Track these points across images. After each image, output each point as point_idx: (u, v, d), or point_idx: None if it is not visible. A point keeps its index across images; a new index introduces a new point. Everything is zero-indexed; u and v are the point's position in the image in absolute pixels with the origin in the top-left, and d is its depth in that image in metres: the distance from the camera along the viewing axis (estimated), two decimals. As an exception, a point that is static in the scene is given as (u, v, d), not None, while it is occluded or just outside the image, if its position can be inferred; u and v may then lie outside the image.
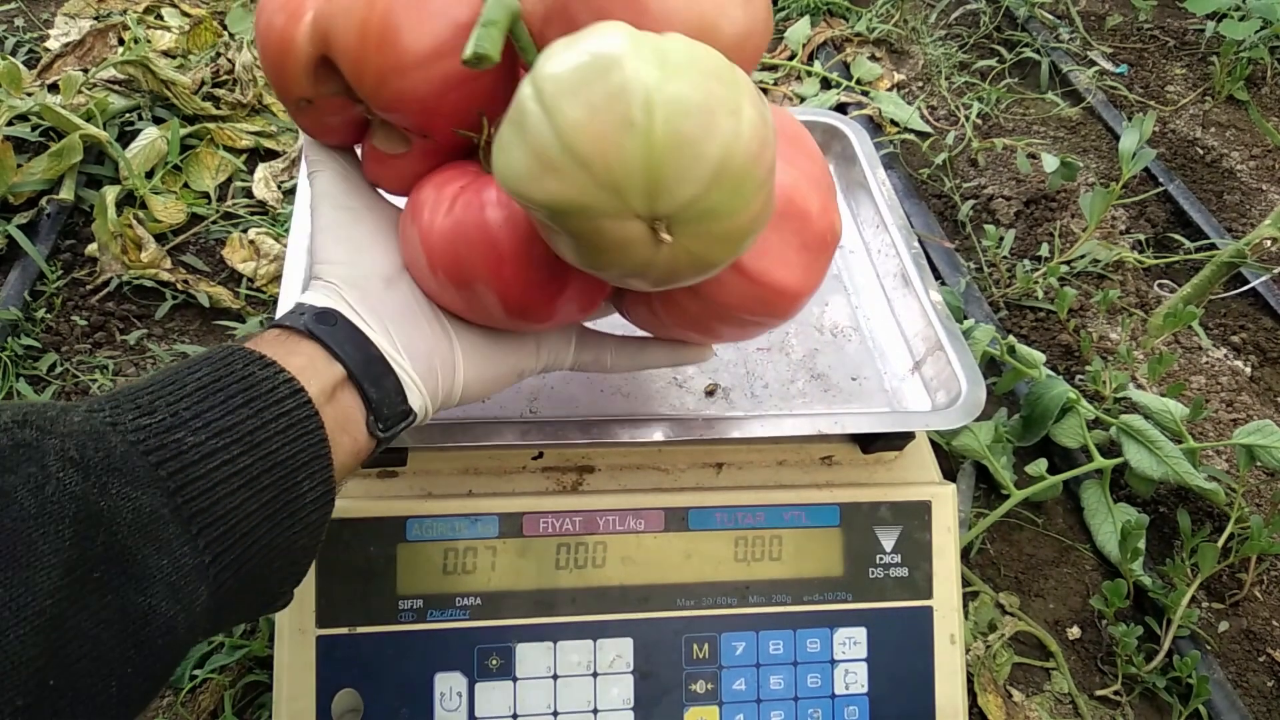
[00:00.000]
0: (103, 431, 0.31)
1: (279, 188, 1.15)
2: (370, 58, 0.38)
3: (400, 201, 0.45)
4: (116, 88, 1.21)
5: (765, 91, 1.40)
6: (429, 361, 0.42)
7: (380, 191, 0.47)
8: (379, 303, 0.42)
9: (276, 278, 1.05)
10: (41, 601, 0.27)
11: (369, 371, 0.40)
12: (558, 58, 0.34)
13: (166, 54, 1.29)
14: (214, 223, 1.11)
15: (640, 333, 0.49)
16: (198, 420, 0.33)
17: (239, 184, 1.16)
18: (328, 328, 0.40)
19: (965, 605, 0.83)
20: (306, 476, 0.36)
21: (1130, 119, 1.23)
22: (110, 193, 1.04)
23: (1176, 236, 1.23)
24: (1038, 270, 1.13)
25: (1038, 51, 1.52)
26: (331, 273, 0.43)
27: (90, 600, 0.29)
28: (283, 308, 0.54)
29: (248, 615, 0.38)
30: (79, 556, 0.29)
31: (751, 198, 0.36)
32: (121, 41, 1.29)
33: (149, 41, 1.29)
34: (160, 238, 1.06)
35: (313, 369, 0.38)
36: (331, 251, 0.43)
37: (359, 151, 0.46)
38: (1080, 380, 1.03)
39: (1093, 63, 1.53)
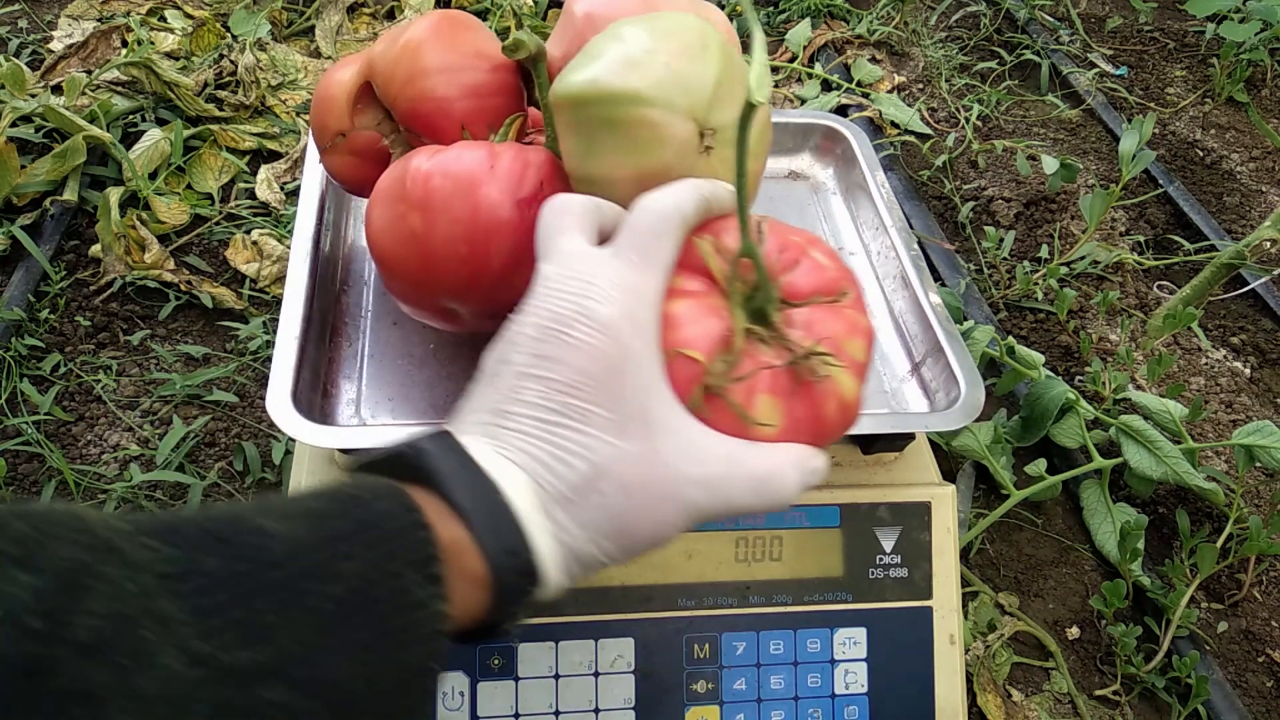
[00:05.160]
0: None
1: (282, 189, 1.16)
2: (403, 65, 0.48)
3: None
4: (120, 89, 1.21)
5: (766, 93, 1.40)
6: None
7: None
8: (581, 509, 0.32)
9: (279, 278, 1.05)
10: None
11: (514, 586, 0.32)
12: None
13: (169, 56, 1.29)
14: (217, 224, 1.12)
15: None
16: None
17: (242, 185, 1.16)
18: (509, 558, 0.31)
19: (965, 605, 0.84)
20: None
21: (1130, 121, 1.23)
22: (114, 194, 1.04)
23: (1176, 238, 1.23)
24: (1037, 272, 1.13)
25: (1038, 53, 1.52)
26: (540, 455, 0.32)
27: None
28: (287, 310, 0.53)
29: None
30: None
31: (759, 155, 0.45)
32: (124, 43, 1.30)
33: (152, 43, 1.29)
34: (163, 239, 1.07)
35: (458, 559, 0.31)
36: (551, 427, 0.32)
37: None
38: (1080, 381, 1.03)
39: (1093, 65, 1.53)
